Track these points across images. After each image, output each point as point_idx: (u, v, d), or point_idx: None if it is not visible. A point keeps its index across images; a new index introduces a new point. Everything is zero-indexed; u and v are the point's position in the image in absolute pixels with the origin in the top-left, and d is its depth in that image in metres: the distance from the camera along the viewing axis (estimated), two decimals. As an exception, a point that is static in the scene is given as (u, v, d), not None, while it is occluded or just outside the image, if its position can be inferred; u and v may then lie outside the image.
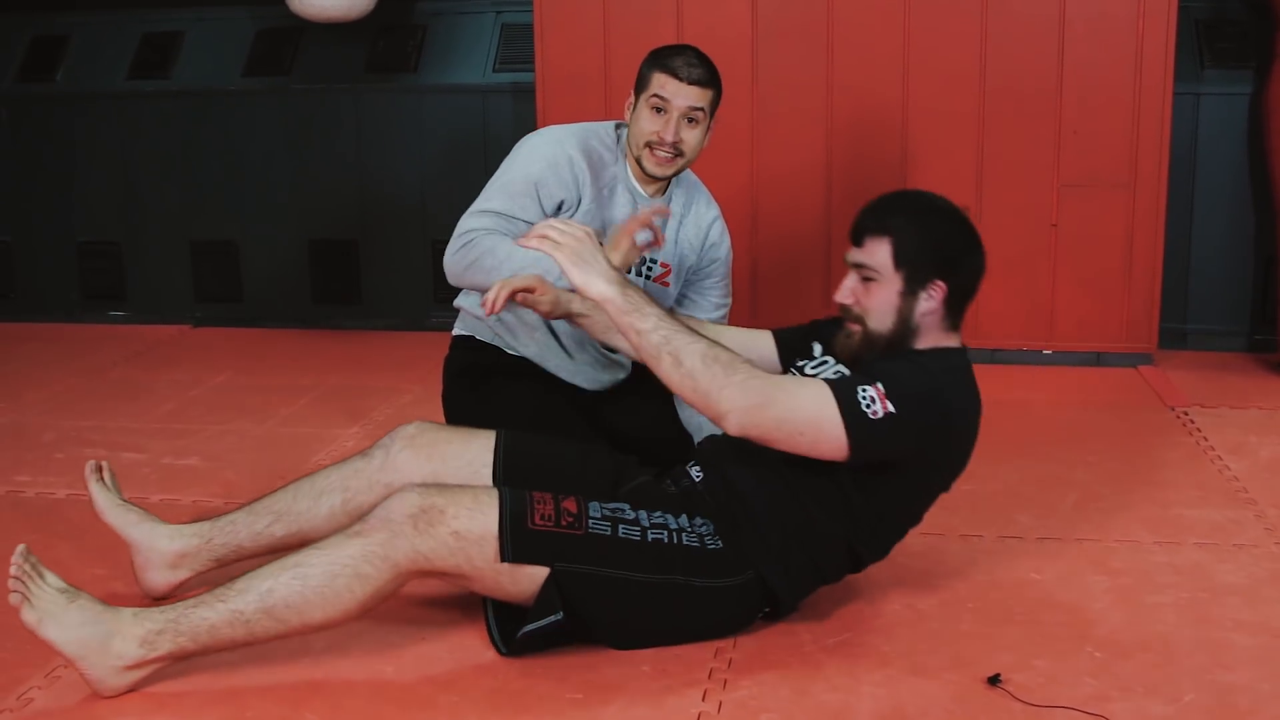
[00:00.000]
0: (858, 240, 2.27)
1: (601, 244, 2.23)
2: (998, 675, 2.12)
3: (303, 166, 4.94)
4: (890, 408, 2.12)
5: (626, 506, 2.24)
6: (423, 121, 4.84)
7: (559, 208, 2.78)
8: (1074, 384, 4.14)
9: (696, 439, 2.82)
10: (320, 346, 4.72)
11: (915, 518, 2.36)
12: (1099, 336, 4.31)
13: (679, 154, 2.78)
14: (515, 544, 2.10)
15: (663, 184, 2.88)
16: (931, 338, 2.28)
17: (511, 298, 2.38)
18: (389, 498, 2.12)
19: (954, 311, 2.28)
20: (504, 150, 2.93)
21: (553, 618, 2.12)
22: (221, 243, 5.04)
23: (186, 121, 4.98)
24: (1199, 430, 3.59)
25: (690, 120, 2.76)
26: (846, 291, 2.28)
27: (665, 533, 2.22)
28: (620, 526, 2.19)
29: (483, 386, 2.88)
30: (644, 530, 2.20)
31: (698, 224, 2.95)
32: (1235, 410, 3.79)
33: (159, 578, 2.39)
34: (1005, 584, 2.55)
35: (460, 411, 2.88)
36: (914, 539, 2.64)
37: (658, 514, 2.25)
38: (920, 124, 4.25)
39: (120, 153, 5.05)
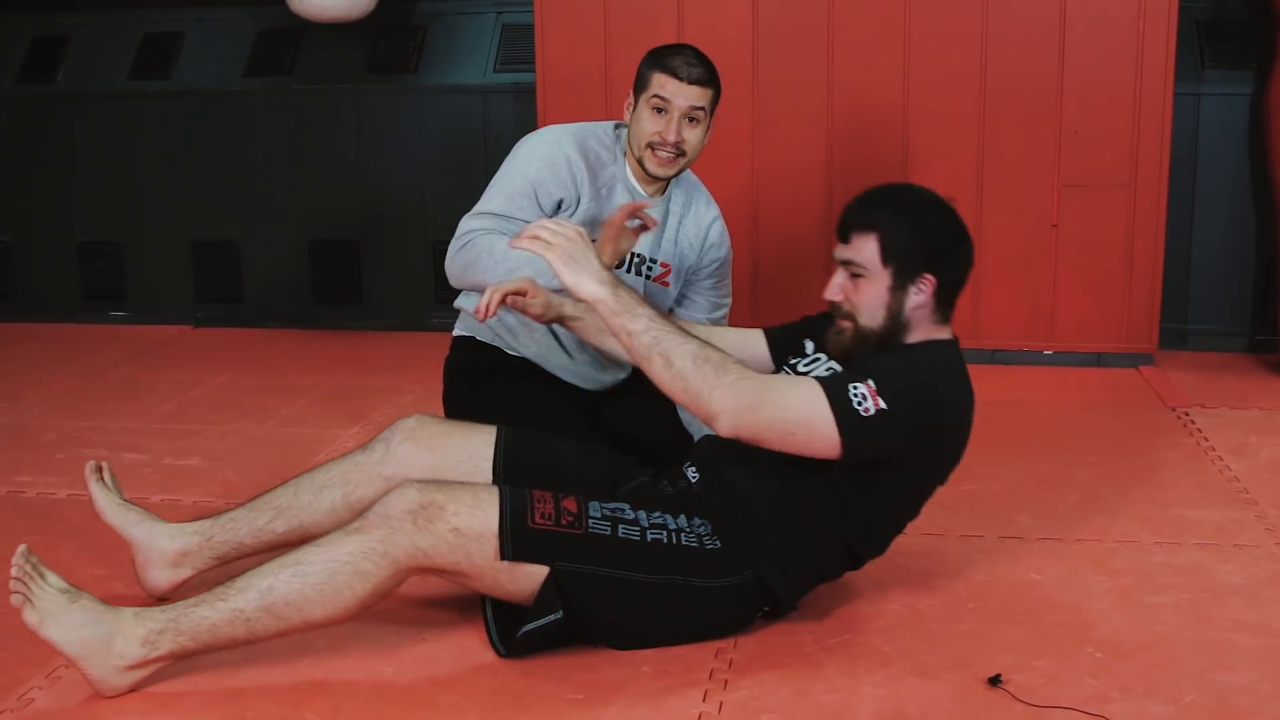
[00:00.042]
0: (844, 237, 2.26)
1: (595, 241, 2.23)
2: (998, 676, 2.12)
3: (303, 167, 4.94)
4: (882, 404, 2.12)
5: (626, 506, 2.24)
6: (423, 122, 4.84)
7: (558, 207, 2.78)
8: (1074, 384, 4.14)
9: (697, 439, 2.82)
10: (321, 347, 4.72)
11: (912, 513, 2.36)
12: (1100, 337, 4.31)
13: (681, 154, 2.79)
14: (515, 542, 2.10)
15: (663, 184, 2.88)
16: (922, 330, 2.27)
17: (503, 302, 2.38)
18: (388, 494, 2.12)
19: (944, 303, 2.28)
20: (504, 151, 2.93)
21: (553, 616, 2.12)
22: (222, 243, 5.04)
23: (187, 122, 4.98)
24: (1200, 431, 3.59)
25: (691, 120, 2.76)
26: (836, 289, 2.28)
27: (664, 533, 2.22)
28: (620, 526, 2.19)
29: (483, 387, 2.88)
30: (643, 530, 2.20)
31: (698, 224, 2.95)
32: (1236, 411, 3.79)
33: (161, 576, 2.39)
34: (1006, 584, 2.55)
35: (461, 412, 2.87)
36: (914, 539, 2.65)
37: (657, 514, 2.25)
38: (921, 124, 4.25)
39: (121, 153, 5.05)
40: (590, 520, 2.17)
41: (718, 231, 2.99)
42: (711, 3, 4.28)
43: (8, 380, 4.23)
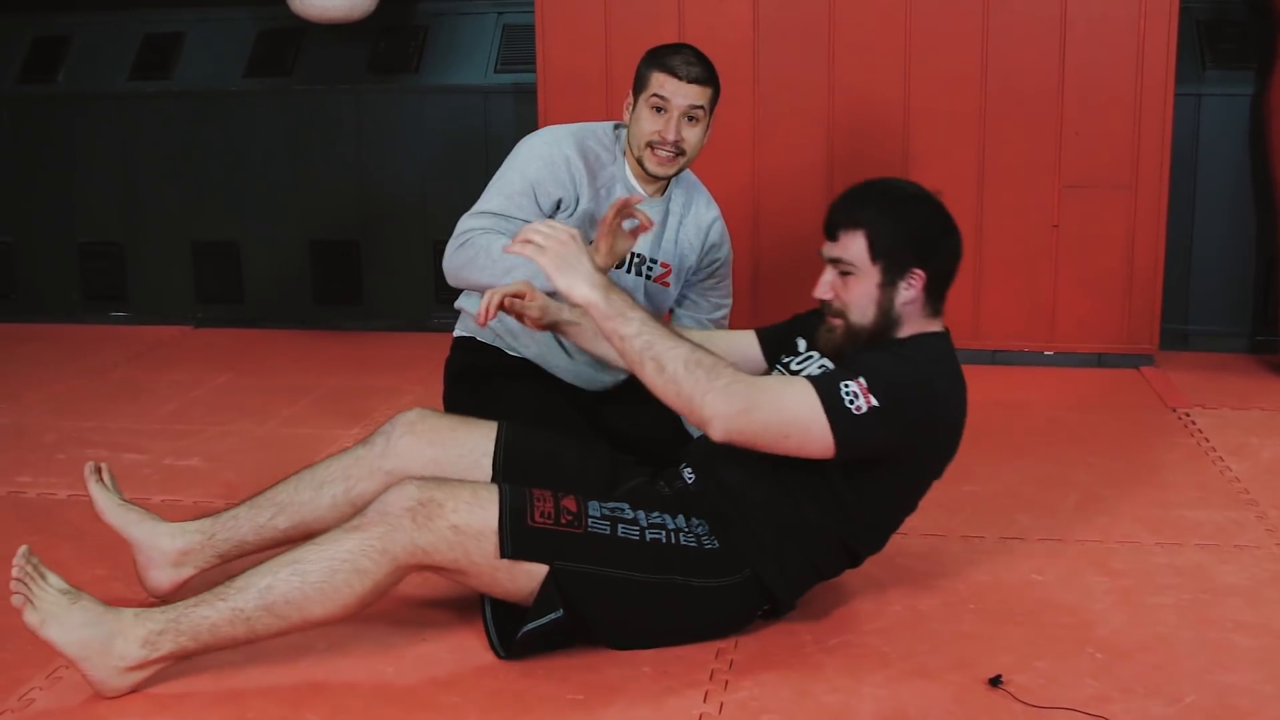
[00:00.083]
0: (831, 235, 2.26)
1: (591, 242, 2.22)
2: (999, 676, 2.12)
3: (304, 167, 4.94)
4: (874, 401, 2.11)
5: (625, 506, 2.24)
6: (424, 122, 4.84)
7: (557, 207, 2.78)
8: (1075, 385, 4.13)
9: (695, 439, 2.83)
10: (321, 347, 4.72)
11: (909, 509, 2.36)
12: (1100, 337, 4.31)
13: (680, 153, 2.79)
14: (515, 540, 2.10)
15: (662, 184, 2.88)
16: (913, 325, 2.27)
17: (502, 305, 2.38)
18: (387, 491, 2.12)
19: (934, 297, 2.27)
20: (505, 151, 2.93)
21: (553, 615, 2.12)
22: (222, 243, 5.04)
23: (188, 122, 4.99)
24: (1200, 431, 3.59)
25: (690, 119, 2.76)
26: (825, 287, 2.28)
27: (663, 533, 2.22)
28: (619, 526, 2.19)
29: (484, 388, 2.88)
30: (642, 530, 2.20)
31: (698, 224, 2.95)
32: (1236, 411, 3.79)
33: (162, 576, 2.39)
34: (1006, 585, 2.55)
35: (461, 413, 2.86)
36: (914, 540, 2.65)
37: (655, 514, 2.25)
38: (921, 124, 4.25)
39: (121, 153, 5.05)
40: (590, 519, 2.17)
41: (718, 232, 2.99)
42: (712, 3, 4.28)
43: (8, 381, 4.23)
